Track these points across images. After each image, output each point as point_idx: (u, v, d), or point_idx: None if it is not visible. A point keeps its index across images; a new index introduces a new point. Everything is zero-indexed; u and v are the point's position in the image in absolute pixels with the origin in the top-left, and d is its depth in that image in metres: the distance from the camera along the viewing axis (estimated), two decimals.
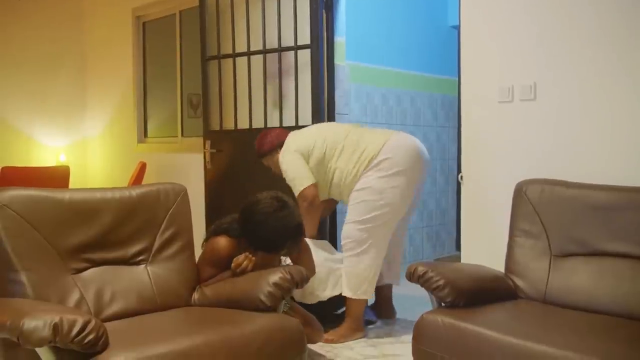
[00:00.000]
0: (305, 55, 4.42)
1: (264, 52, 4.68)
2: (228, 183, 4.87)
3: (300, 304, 3.46)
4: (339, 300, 3.70)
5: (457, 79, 3.74)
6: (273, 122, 4.70)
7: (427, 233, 6.02)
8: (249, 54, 4.76)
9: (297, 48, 4.50)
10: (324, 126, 3.94)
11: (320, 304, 3.61)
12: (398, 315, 4.00)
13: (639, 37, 2.87)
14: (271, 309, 2.58)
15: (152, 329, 2.44)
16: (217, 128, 4.98)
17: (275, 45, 4.62)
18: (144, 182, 5.63)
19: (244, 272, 2.78)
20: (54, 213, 2.59)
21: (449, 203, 6.23)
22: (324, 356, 3.30)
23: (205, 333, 2.29)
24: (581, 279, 2.68)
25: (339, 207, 4.89)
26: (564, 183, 2.88)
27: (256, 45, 4.72)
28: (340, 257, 3.66)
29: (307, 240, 3.57)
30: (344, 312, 3.72)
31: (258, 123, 4.77)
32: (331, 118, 4.57)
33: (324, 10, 4.55)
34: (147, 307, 2.66)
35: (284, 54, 4.61)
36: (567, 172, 2.98)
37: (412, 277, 2.74)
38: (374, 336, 3.67)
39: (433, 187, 6.09)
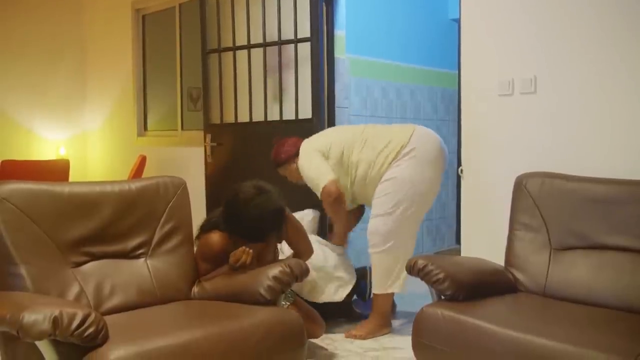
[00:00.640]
0: (305, 49, 4.41)
1: (264, 45, 4.67)
2: (228, 176, 4.86)
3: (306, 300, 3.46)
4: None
5: (457, 72, 3.73)
6: (273, 115, 4.70)
7: (427, 226, 6.01)
8: (249, 47, 4.75)
9: (297, 41, 4.49)
10: (338, 127, 3.97)
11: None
12: (398, 309, 4.00)
13: (639, 31, 2.87)
14: (271, 302, 2.59)
15: (152, 322, 2.44)
16: (218, 121, 4.98)
17: (276, 39, 4.62)
18: (144, 175, 5.63)
19: (243, 266, 2.77)
20: (54, 206, 2.59)
21: (448, 196, 6.23)
22: (324, 349, 3.30)
23: (205, 326, 2.29)
24: (581, 272, 2.68)
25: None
26: (564, 176, 2.88)
27: (256, 39, 4.71)
28: (338, 259, 3.64)
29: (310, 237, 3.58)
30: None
31: (258, 116, 4.77)
32: (331, 111, 4.57)
33: (324, 4, 4.54)
34: (146, 300, 2.66)
35: (284, 47, 4.60)
36: (567, 165, 2.98)
37: (412, 270, 2.75)
38: None
39: None
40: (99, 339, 2.03)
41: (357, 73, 5.19)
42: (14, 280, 2.41)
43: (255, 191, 2.88)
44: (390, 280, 3.53)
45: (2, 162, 5.56)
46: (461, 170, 3.51)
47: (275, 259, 3.21)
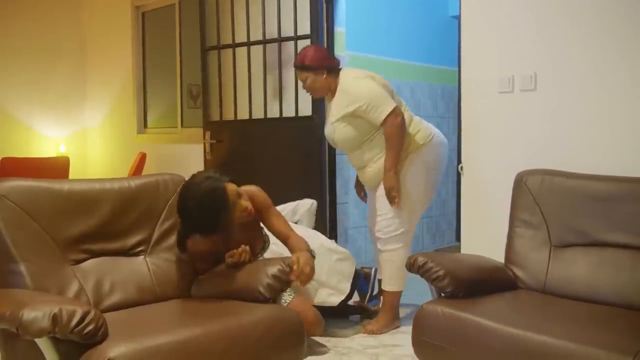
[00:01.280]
0: (304, 46, 4.41)
1: (264, 42, 4.67)
2: (228, 174, 4.86)
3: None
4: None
5: (457, 69, 3.73)
6: (273, 112, 4.70)
7: (426, 224, 6.01)
8: (248, 44, 4.75)
9: (297, 38, 4.49)
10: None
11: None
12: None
13: (639, 29, 2.87)
14: (270, 300, 2.59)
15: (152, 319, 2.44)
16: (217, 119, 4.98)
17: (275, 36, 4.61)
18: (143, 172, 5.63)
19: (243, 264, 2.77)
20: (53, 204, 2.59)
21: (448, 194, 6.23)
22: (324, 346, 3.30)
23: (205, 324, 2.29)
24: (581, 270, 2.68)
25: (340, 197, 4.90)
26: (564, 173, 2.87)
27: (256, 36, 4.71)
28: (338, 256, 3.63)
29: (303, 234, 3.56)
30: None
31: (258, 114, 4.77)
32: None
33: (324, 1, 4.54)
34: (146, 297, 2.66)
35: (283, 44, 4.59)
36: (567, 162, 2.97)
37: (412, 267, 2.75)
38: None
39: None
40: (98, 336, 2.03)
41: None
42: (13, 278, 2.41)
43: (189, 186, 2.80)
44: (399, 279, 3.56)
45: (2, 159, 5.56)
46: (461, 168, 3.51)
47: (264, 246, 3.23)
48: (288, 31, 4.54)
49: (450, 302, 2.57)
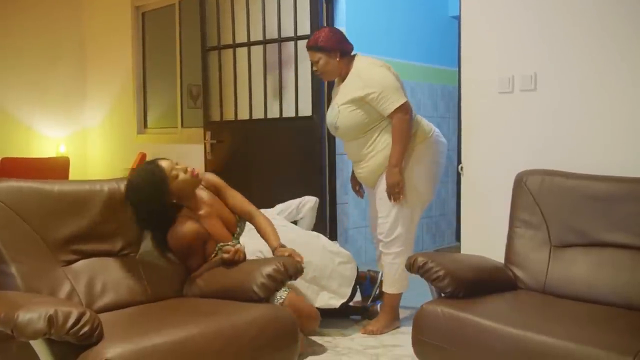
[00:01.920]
0: (305, 46, 4.41)
1: (264, 42, 4.67)
2: (229, 174, 4.85)
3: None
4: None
5: (457, 69, 3.72)
6: (273, 112, 4.70)
7: (426, 224, 6.02)
8: (249, 44, 4.76)
9: (297, 38, 4.49)
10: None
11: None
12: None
13: (639, 28, 2.87)
14: (264, 300, 2.57)
15: (146, 320, 2.42)
16: (218, 119, 4.98)
17: (275, 36, 4.62)
18: None
19: (237, 263, 2.75)
20: (44, 205, 2.58)
21: (448, 194, 6.23)
22: (324, 346, 3.30)
23: (200, 324, 2.28)
24: (581, 270, 2.68)
25: (340, 197, 4.90)
26: (564, 174, 2.87)
27: (256, 36, 4.71)
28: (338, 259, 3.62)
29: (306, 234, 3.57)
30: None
31: (258, 114, 4.77)
32: None
33: (324, 1, 4.54)
34: (138, 298, 2.64)
35: (284, 44, 4.60)
36: (567, 162, 2.97)
37: (412, 267, 2.75)
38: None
39: None
40: (94, 337, 2.01)
41: None
42: (4, 279, 2.39)
43: (129, 180, 2.83)
44: (400, 281, 3.56)
45: (2, 159, 5.56)
46: (461, 168, 3.51)
47: (239, 224, 3.21)
48: (288, 31, 4.54)
49: (450, 302, 2.57)
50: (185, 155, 5.69)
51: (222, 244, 2.95)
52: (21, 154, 6.29)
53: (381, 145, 3.48)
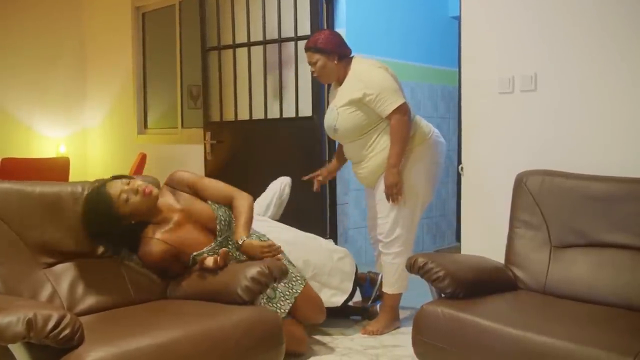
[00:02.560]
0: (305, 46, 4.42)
1: (264, 42, 4.67)
2: (229, 174, 4.86)
3: None
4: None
5: (457, 69, 3.72)
6: (273, 113, 4.70)
7: (427, 224, 6.01)
8: (249, 44, 4.76)
9: (297, 39, 4.49)
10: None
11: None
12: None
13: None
14: (248, 303, 2.53)
15: (129, 322, 2.38)
16: (218, 119, 4.98)
17: (276, 36, 4.62)
18: (144, 173, 5.63)
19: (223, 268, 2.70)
20: (24, 206, 2.54)
21: (449, 194, 6.23)
22: (325, 346, 3.30)
23: (184, 326, 2.25)
24: (581, 270, 2.68)
25: (340, 198, 4.90)
26: (564, 174, 2.87)
27: (256, 36, 4.71)
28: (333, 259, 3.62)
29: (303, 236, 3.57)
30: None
31: (258, 114, 4.77)
32: None
33: (324, 1, 4.55)
34: (121, 300, 2.60)
35: (284, 44, 4.60)
36: (567, 163, 2.97)
37: (412, 268, 2.75)
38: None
39: None
40: (75, 340, 1.98)
41: None
42: None
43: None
44: (400, 282, 3.56)
45: (2, 159, 5.56)
46: (461, 168, 3.51)
47: (219, 221, 2.93)
48: (288, 32, 4.54)
49: (450, 302, 2.57)
50: (186, 156, 5.71)
51: (196, 253, 2.77)
52: (21, 154, 6.28)
53: (381, 146, 3.48)
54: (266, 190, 3.95)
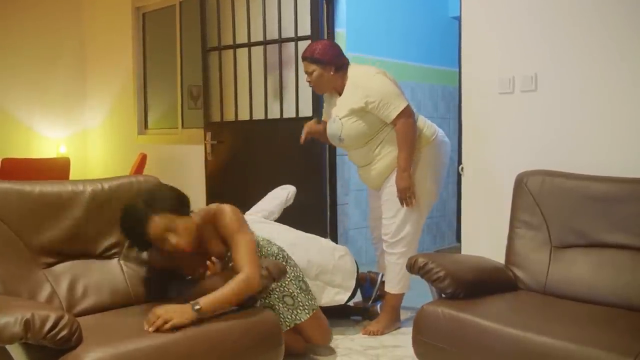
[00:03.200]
0: (305, 47, 4.41)
1: (265, 43, 4.67)
2: (229, 174, 4.87)
3: None
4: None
5: (457, 70, 3.72)
6: (274, 113, 4.70)
7: (427, 224, 5.98)
8: (249, 45, 4.76)
9: (297, 39, 4.49)
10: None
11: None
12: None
13: None
14: (247, 305, 2.52)
15: (128, 323, 2.37)
16: (218, 119, 4.98)
17: (276, 37, 4.62)
18: (144, 173, 5.63)
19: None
20: (24, 206, 2.53)
21: (449, 194, 6.23)
22: (325, 347, 3.30)
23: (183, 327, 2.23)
24: (581, 270, 2.68)
25: (340, 198, 4.90)
26: (565, 174, 2.87)
27: (257, 37, 4.71)
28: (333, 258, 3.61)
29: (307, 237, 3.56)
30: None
31: (259, 114, 4.77)
32: None
33: (324, 2, 4.55)
34: (120, 301, 2.59)
35: (284, 45, 4.60)
36: (567, 163, 2.97)
37: (412, 268, 2.75)
38: None
39: None
40: (72, 341, 1.97)
41: None
42: None
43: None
44: (402, 281, 3.56)
45: (2, 160, 5.56)
46: (462, 168, 3.51)
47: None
48: (289, 32, 4.54)
49: (450, 303, 2.57)
50: (186, 156, 5.71)
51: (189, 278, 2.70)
52: (21, 154, 6.29)
53: (386, 150, 3.49)
54: (270, 195, 3.94)
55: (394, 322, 3.60)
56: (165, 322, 2.19)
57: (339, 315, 3.68)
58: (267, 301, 2.96)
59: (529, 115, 3.22)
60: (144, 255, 2.75)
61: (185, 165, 5.67)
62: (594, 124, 3.01)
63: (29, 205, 2.55)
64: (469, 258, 3.04)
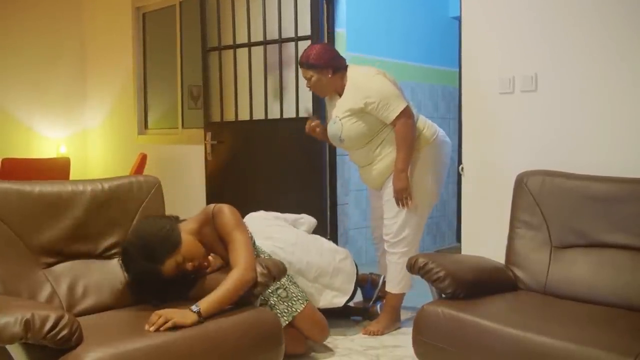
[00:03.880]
0: (305, 47, 4.41)
1: (265, 43, 4.67)
2: (229, 174, 4.87)
3: None
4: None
5: (458, 70, 3.72)
6: (274, 113, 4.70)
7: (427, 224, 5.93)
8: (249, 45, 4.75)
9: (297, 39, 4.49)
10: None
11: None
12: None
13: None
14: (247, 303, 2.52)
15: (128, 323, 2.38)
16: (218, 119, 4.98)
17: (276, 37, 4.62)
18: (144, 173, 5.63)
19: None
20: (24, 206, 2.53)
21: (449, 194, 6.23)
22: (325, 347, 3.30)
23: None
24: (581, 270, 2.68)
25: (340, 198, 4.90)
26: (565, 174, 2.87)
27: (257, 37, 4.71)
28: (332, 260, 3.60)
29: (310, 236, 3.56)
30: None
31: (259, 114, 4.77)
32: None
33: (324, 2, 4.54)
34: (120, 301, 2.59)
35: (284, 45, 4.60)
36: (567, 163, 2.97)
37: (412, 268, 2.75)
38: None
39: None
40: (72, 341, 1.97)
41: None
42: None
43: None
44: (403, 281, 3.56)
45: (2, 160, 5.56)
46: (462, 168, 3.51)
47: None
48: (289, 32, 4.54)
49: (450, 303, 2.57)
50: (186, 156, 5.71)
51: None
52: (21, 154, 6.28)
53: (387, 150, 3.49)
54: (300, 217, 3.84)
55: (394, 322, 3.60)
56: (167, 321, 2.20)
57: (339, 315, 3.68)
58: (261, 297, 2.97)
59: (529, 115, 3.22)
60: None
61: (186, 166, 5.68)
62: (594, 124, 3.01)
63: (29, 205, 2.55)
64: (469, 258, 3.04)
